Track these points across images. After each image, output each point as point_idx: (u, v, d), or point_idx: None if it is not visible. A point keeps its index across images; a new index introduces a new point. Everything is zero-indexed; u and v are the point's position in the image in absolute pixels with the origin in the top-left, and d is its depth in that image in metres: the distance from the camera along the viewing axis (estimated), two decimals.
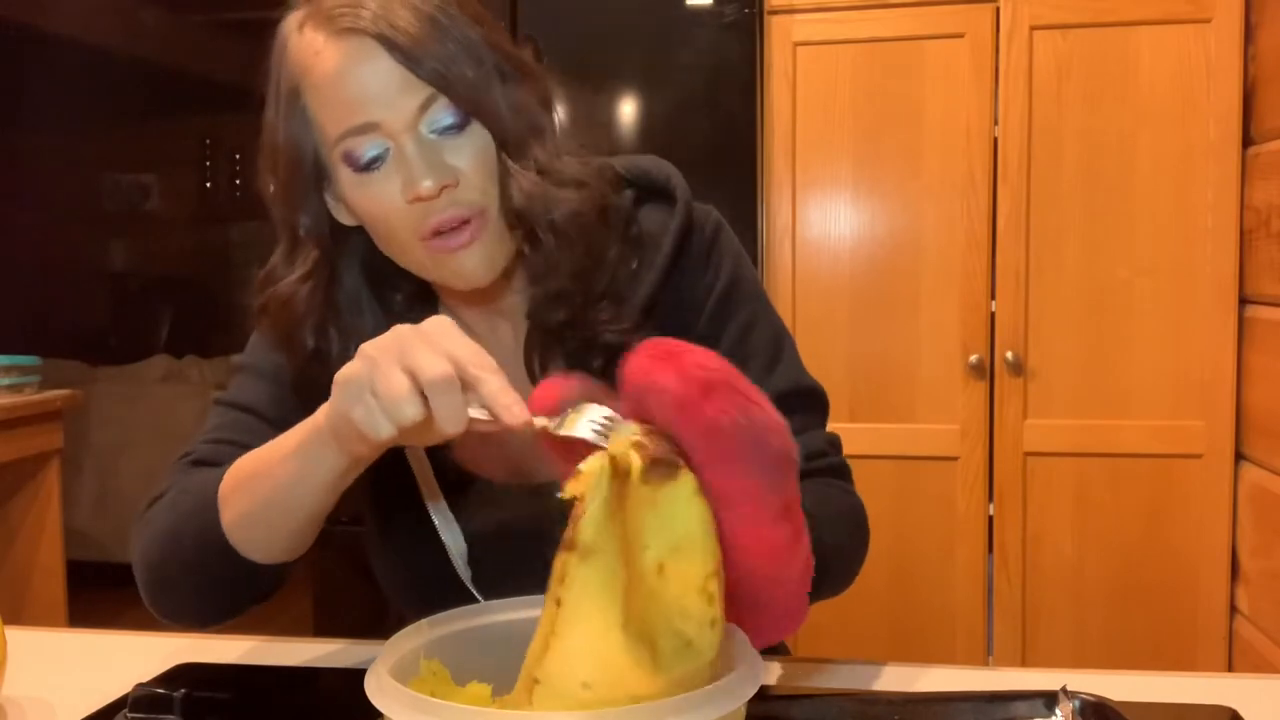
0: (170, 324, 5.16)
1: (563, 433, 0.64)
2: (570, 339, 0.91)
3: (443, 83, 0.82)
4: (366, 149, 0.83)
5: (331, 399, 0.69)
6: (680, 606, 0.61)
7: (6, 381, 2.49)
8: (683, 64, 2.15)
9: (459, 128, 0.83)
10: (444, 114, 0.83)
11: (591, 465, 0.61)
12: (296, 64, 0.85)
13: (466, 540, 0.96)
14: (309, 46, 0.84)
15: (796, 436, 0.81)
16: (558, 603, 0.60)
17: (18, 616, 2.44)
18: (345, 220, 0.90)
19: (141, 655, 0.96)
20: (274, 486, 0.78)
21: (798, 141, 2.12)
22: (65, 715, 0.85)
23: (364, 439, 0.67)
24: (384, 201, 0.83)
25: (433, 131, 0.83)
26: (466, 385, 0.64)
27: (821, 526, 0.82)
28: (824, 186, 2.13)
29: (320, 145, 0.86)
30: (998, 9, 2.04)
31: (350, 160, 0.84)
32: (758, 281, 0.99)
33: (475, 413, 0.64)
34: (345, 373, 0.67)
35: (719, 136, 2.14)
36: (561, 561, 0.60)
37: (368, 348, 0.66)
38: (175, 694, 0.82)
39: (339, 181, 0.86)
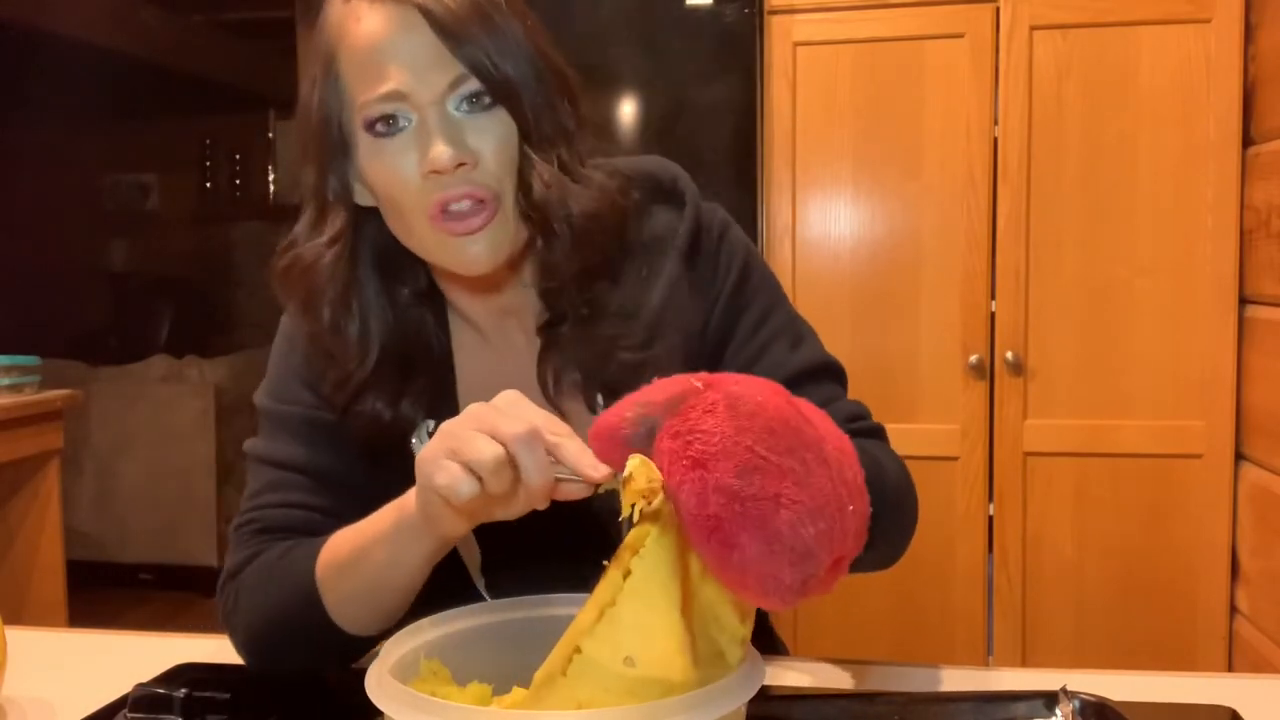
0: (170, 324, 5.16)
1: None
2: (583, 346, 0.90)
3: (475, 65, 0.82)
4: (387, 112, 0.83)
5: (417, 477, 0.70)
6: (715, 613, 0.61)
7: (6, 381, 2.49)
8: (683, 64, 2.15)
9: (485, 109, 0.84)
10: (472, 96, 0.83)
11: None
12: (335, 29, 0.85)
13: (481, 549, 0.96)
14: (351, 13, 0.84)
15: (827, 406, 0.81)
16: (626, 573, 0.60)
17: (18, 616, 2.44)
18: (363, 201, 0.90)
19: (141, 655, 0.96)
20: (372, 571, 0.80)
21: (798, 141, 2.12)
22: (65, 715, 0.85)
23: (449, 507, 0.68)
24: (399, 172, 0.83)
25: (458, 110, 0.83)
26: (547, 449, 0.65)
27: (886, 477, 0.84)
28: (824, 186, 2.13)
29: (346, 111, 0.86)
30: (998, 9, 2.04)
31: (371, 126, 0.84)
32: (770, 272, 0.99)
33: (561, 476, 0.66)
34: (426, 451, 0.68)
35: (719, 136, 2.14)
36: (641, 532, 0.61)
37: (446, 425, 0.68)
38: (175, 694, 0.82)
39: (359, 151, 0.86)
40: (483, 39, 0.82)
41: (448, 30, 0.81)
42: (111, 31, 4.39)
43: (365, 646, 0.88)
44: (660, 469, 0.58)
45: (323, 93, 0.86)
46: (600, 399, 0.92)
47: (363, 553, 0.80)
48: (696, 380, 0.61)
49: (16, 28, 4.13)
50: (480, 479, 0.65)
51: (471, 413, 0.67)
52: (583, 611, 0.61)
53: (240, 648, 0.90)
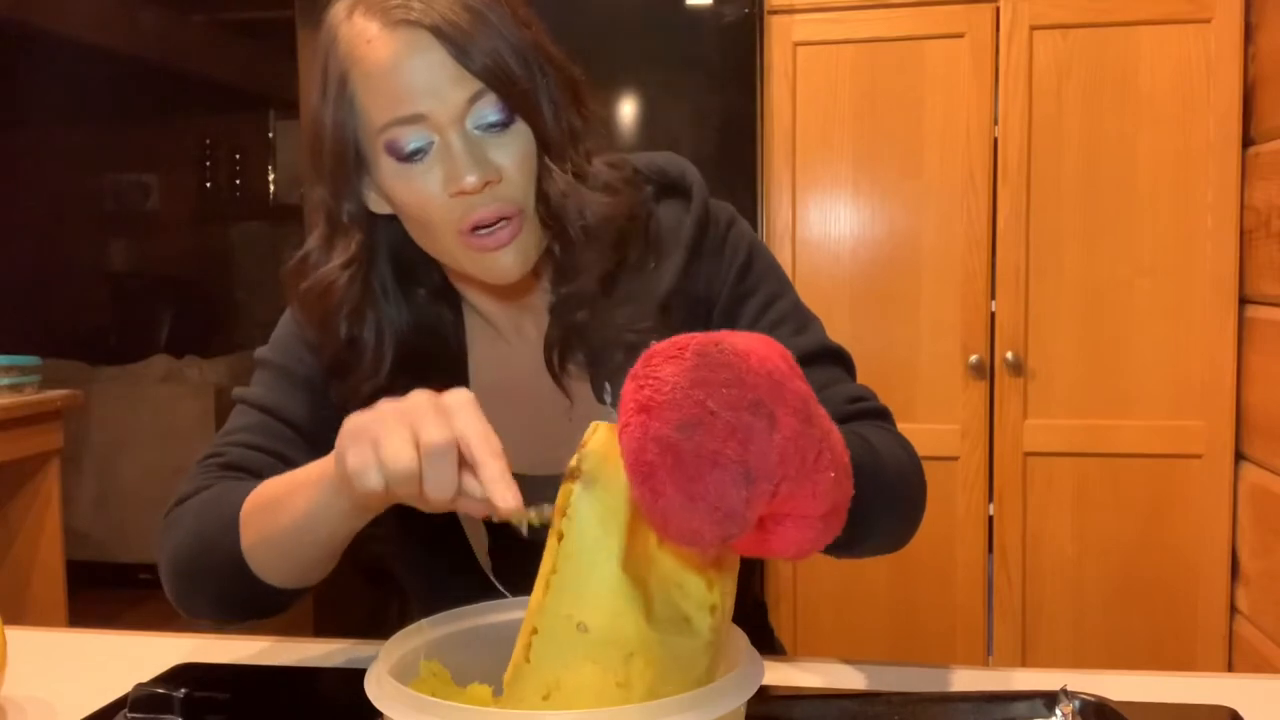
0: (170, 324, 5.16)
1: (541, 523, 0.65)
2: (591, 336, 0.92)
3: (491, 77, 0.83)
4: (411, 139, 0.84)
5: (336, 443, 0.70)
6: (677, 580, 0.61)
7: (6, 381, 2.49)
8: (683, 64, 2.15)
9: (504, 125, 0.85)
10: (490, 110, 0.84)
11: (599, 423, 0.63)
12: (346, 52, 0.85)
13: (488, 532, 0.96)
14: (360, 35, 0.84)
15: (831, 389, 0.79)
16: (559, 537, 0.60)
17: (18, 616, 2.44)
18: (378, 210, 0.91)
19: (141, 655, 0.96)
20: (290, 519, 0.79)
21: (798, 141, 2.12)
22: (65, 715, 0.85)
23: (355, 486, 0.68)
24: (425, 193, 0.84)
25: (478, 127, 0.84)
26: (467, 464, 0.65)
27: (881, 459, 0.84)
28: (824, 186, 2.13)
29: (362, 133, 0.87)
30: (998, 9, 2.04)
31: (393, 150, 0.84)
32: (775, 263, 1.01)
33: (470, 490, 0.66)
34: (352, 421, 0.68)
35: (719, 136, 2.14)
36: (564, 493, 0.61)
37: (383, 404, 0.68)
38: (175, 694, 0.82)
39: (379, 170, 0.87)
40: (494, 51, 0.83)
41: (460, 46, 0.82)
42: (111, 31, 4.39)
43: (275, 603, 0.87)
44: (621, 410, 0.57)
45: (337, 114, 0.87)
46: (607, 385, 0.93)
47: (287, 498, 0.79)
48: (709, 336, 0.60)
49: (16, 28, 4.13)
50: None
51: (410, 404, 0.67)
52: (534, 591, 0.61)
53: (163, 577, 0.90)
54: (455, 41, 0.82)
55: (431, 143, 0.84)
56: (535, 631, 0.60)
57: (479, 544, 0.97)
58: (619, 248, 0.90)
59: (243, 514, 0.83)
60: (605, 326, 0.91)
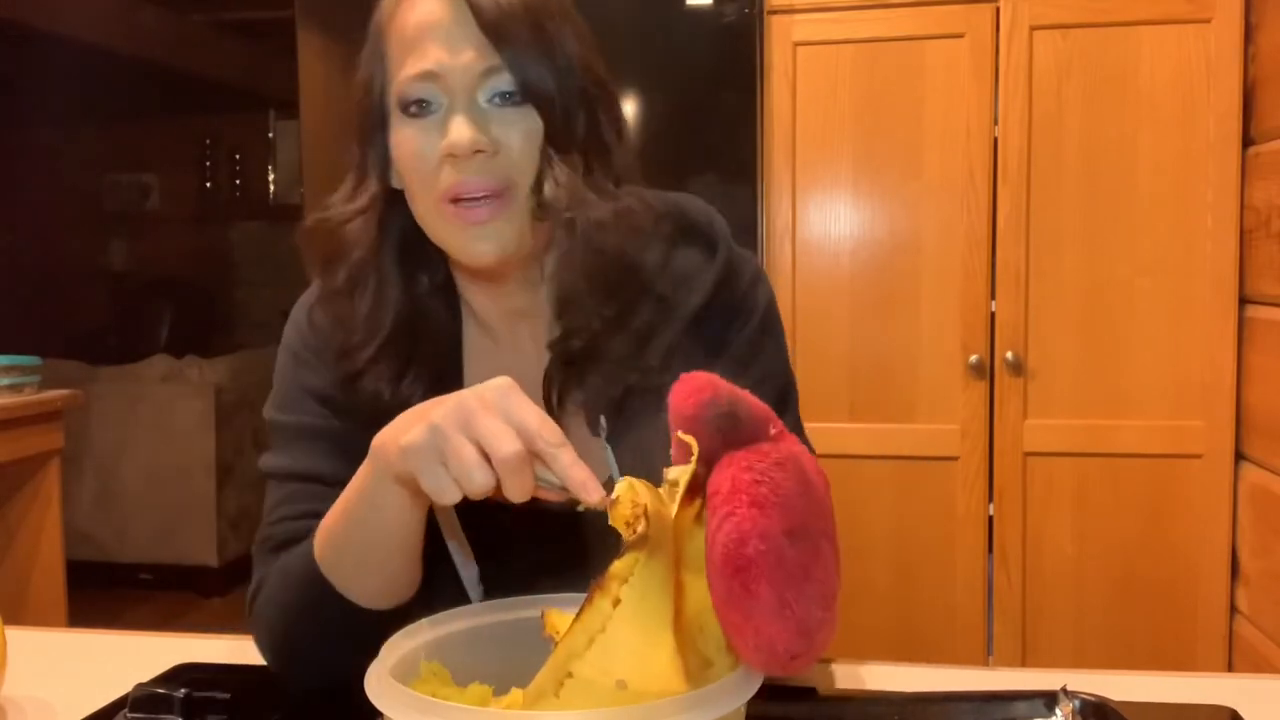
0: (170, 324, 5.16)
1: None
2: (592, 369, 0.90)
3: (513, 62, 0.84)
4: (420, 94, 0.85)
5: (397, 463, 0.69)
6: (700, 623, 0.61)
7: (6, 381, 2.49)
8: (683, 64, 2.14)
9: (515, 104, 0.85)
10: (504, 86, 0.85)
11: (631, 480, 0.63)
12: (389, 8, 0.89)
13: (478, 561, 0.95)
14: None
15: None
16: (615, 601, 0.60)
17: (18, 616, 2.44)
18: (396, 184, 0.91)
19: (141, 655, 0.96)
20: (360, 532, 0.79)
21: (798, 141, 2.12)
22: (65, 715, 0.85)
23: (435, 501, 0.68)
24: (421, 151, 0.85)
25: (489, 101, 0.85)
26: (536, 458, 0.65)
27: None
28: (824, 186, 2.13)
29: (387, 89, 0.89)
30: (998, 9, 2.04)
31: (403, 102, 0.86)
32: (782, 333, 0.99)
33: (543, 482, 0.65)
34: (410, 441, 0.67)
35: (719, 136, 2.14)
36: (630, 561, 0.60)
37: (434, 417, 0.66)
38: (175, 694, 0.82)
39: (391, 127, 0.89)
40: (526, 40, 0.84)
41: (492, 25, 0.84)
42: (111, 31, 4.39)
43: (385, 627, 0.86)
44: (715, 490, 0.57)
45: (368, 69, 0.90)
46: (603, 420, 0.91)
47: (346, 517, 0.79)
48: (773, 424, 0.62)
49: (16, 28, 4.13)
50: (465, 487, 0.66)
51: (460, 407, 0.66)
52: (570, 635, 0.60)
53: (271, 661, 0.89)
54: (489, 18, 0.84)
55: (440, 104, 0.85)
56: (570, 675, 0.59)
57: (469, 577, 0.95)
58: (619, 265, 0.88)
59: (319, 559, 0.83)
60: (608, 359, 0.89)
